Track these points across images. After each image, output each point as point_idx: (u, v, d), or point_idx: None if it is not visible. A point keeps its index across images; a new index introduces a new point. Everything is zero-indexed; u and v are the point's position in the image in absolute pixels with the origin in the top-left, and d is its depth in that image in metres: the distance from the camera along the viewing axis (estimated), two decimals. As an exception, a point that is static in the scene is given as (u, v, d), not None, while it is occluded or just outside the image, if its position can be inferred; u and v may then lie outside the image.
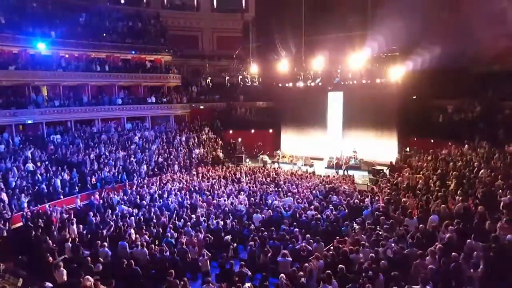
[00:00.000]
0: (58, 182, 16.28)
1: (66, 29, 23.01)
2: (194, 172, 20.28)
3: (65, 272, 7.95)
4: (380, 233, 9.47)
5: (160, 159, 21.24)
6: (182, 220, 12.40)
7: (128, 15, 28.58)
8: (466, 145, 15.99)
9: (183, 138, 24.92)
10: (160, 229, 11.48)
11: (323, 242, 9.71)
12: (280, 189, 16.37)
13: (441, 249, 7.44)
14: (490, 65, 19.63)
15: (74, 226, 11.62)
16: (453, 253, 7.04)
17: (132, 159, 20.21)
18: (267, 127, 28.41)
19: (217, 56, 33.12)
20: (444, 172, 13.88)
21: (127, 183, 17.49)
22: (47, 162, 17.88)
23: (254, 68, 26.93)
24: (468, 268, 6.59)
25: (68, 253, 9.82)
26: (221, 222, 11.80)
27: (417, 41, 20.34)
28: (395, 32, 19.65)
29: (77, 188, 16.74)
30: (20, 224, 12.99)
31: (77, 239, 10.51)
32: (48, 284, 7.11)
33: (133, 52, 27.13)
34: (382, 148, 23.35)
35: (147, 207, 14.07)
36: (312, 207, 13.11)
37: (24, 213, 13.13)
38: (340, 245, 9.16)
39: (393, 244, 8.34)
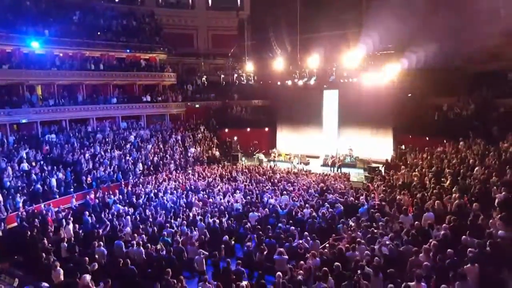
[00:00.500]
0: (54, 181, 16.19)
1: (60, 27, 22.79)
2: (190, 171, 20.27)
3: (61, 271, 7.93)
4: (376, 231, 9.51)
5: (156, 158, 21.18)
6: (178, 219, 12.41)
7: (123, 13, 28.38)
8: (462, 142, 16.10)
9: (179, 137, 24.86)
10: (156, 228, 11.47)
11: (319, 240, 9.75)
12: (276, 187, 16.41)
13: (436, 246, 7.50)
14: (485, 63, 19.74)
15: (70, 226, 11.57)
16: (448, 250, 7.11)
17: (127, 158, 20.14)
18: (263, 126, 28.44)
19: (212, 54, 33.08)
20: (439, 170, 13.98)
21: (123, 182, 17.44)
22: (42, 162, 17.76)
23: (249, 66, 26.91)
24: (463, 265, 6.65)
25: (64, 253, 9.80)
26: (217, 221, 11.81)
27: (412, 39, 20.40)
28: (390, 30, 19.68)
29: (72, 187, 16.66)
30: (15, 224, 12.91)
31: (72, 238, 10.48)
32: (44, 284, 7.10)
33: (128, 50, 26.97)
34: (378, 145, 23.47)
35: (143, 206, 14.06)
36: (307, 205, 13.16)
37: (19, 213, 13.07)
38: (336, 243, 9.20)
39: (388, 242, 8.39)
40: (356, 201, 13.35)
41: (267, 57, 27.04)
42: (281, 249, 8.86)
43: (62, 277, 7.89)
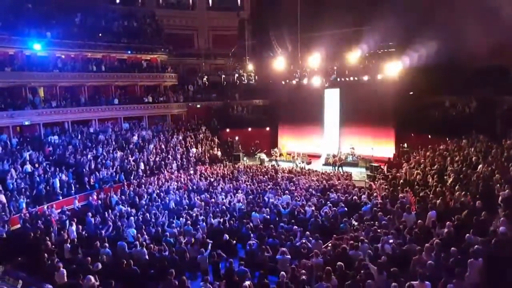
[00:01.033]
0: (57, 183, 16.23)
1: (62, 29, 22.88)
2: (192, 171, 20.29)
3: (65, 272, 7.95)
4: (379, 230, 9.49)
5: (158, 159, 21.22)
6: (181, 218, 12.42)
7: (124, 15, 28.42)
8: (464, 140, 16.04)
9: (180, 137, 24.89)
10: (159, 229, 11.48)
11: (321, 239, 9.73)
12: (278, 186, 16.40)
13: (439, 244, 7.47)
14: (487, 60, 19.64)
15: (74, 227, 11.60)
16: (452, 248, 7.08)
17: (129, 158, 20.18)
18: (264, 125, 28.41)
19: (213, 54, 33.09)
20: (441, 167, 13.92)
21: (125, 183, 17.46)
22: (45, 163, 17.82)
23: (250, 66, 26.89)
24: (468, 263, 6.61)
25: (67, 254, 9.82)
26: (220, 221, 11.81)
27: (414, 37, 20.35)
28: (391, 28, 19.65)
29: (73, 188, 16.66)
30: (19, 226, 12.95)
31: (75, 240, 10.50)
32: (48, 285, 7.11)
33: (129, 51, 27.04)
34: (379, 144, 23.40)
35: (145, 206, 14.08)
36: (310, 203, 13.15)
37: (22, 215, 13.10)
38: (338, 242, 9.18)
39: (391, 240, 8.36)
40: (358, 200, 13.32)
41: (268, 56, 27.04)
42: (284, 249, 8.85)
43: (65, 278, 7.91)
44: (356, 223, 10.92)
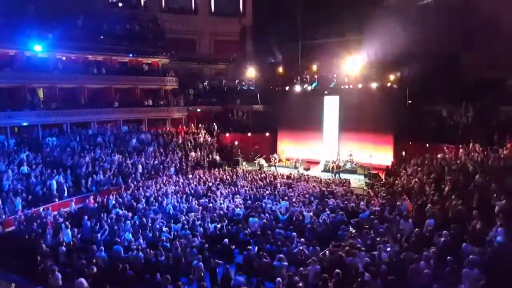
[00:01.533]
0: (54, 185, 16.13)
1: (63, 31, 22.86)
2: (191, 175, 20.23)
3: (60, 276, 7.88)
4: (378, 238, 9.45)
5: (156, 162, 21.16)
6: (178, 223, 12.35)
7: (126, 18, 28.54)
8: (462, 149, 16.07)
9: (180, 141, 24.86)
10: (156, 233, 11.42)
11: (319, 246, 9.69)
12: (276, 192, 16.36)
13: (436, 253, 7.46)
14: (485, 71, 19.75)
15: (69, 230, 11.52)
16: (448, 257, 7.06)
17: (128, 162, 20.12)
18: (264, 131, 28.40)
19: (214, 59, 33.22)
20: (439, 176, 13.93)
21: (123, 186, 17.37)
22: (42, 165, 17.74)
23: (251, 72, 26.95)
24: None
25: (63, 258, 9.74)
26: (218, 226, 11.76)
27: (412, 47, 20.48)
28: (391, 37, 19.78)
29: (70, 190, 16.56)
30: (13, 227, 12.84)
31: (71, 243, 10.43)
32: (42, 289, 7.05)
33: (130, 55, 27.11)
34: (378, 152, 23.42)
35: (142, 210, 13.99)
36: (307, 209, 13.11)
37: (17, 216, 12.99)
38: (336, 249, 9.14)
39: (388, 248, 8.34)
40: (356, 207, 13.29)
41: (269, 63, 27.16)
42: (281, 256, 8.80)
43: (60, 282, 7.82)
44: (354, 231, 10.88)
